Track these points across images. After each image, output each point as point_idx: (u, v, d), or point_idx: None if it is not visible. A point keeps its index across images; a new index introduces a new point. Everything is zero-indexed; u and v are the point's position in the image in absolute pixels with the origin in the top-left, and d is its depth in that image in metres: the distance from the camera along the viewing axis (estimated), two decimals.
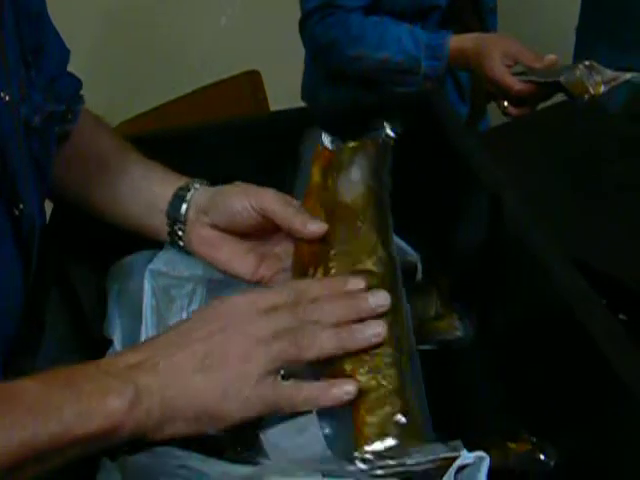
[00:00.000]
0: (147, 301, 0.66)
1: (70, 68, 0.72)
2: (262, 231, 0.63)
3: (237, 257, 0.63)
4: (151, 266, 0.67)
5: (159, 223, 0.66)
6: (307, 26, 1.12)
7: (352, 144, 0.64)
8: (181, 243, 0.65)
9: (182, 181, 0.66)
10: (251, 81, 1.52)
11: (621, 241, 0.87)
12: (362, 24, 1.05)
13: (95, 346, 0.69)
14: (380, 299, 0.51)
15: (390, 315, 0.51)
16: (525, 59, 0.96)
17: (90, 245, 0.72)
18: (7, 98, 0.54)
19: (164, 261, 0.67)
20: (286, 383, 0.47)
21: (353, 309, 0.50)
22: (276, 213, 0.59)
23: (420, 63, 1.03)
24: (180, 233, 0.65)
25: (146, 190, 0.67)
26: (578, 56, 2.23)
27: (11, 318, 0.55)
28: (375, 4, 1.07)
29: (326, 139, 0.65)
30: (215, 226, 0.63)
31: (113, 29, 1.76)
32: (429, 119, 0.81)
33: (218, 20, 1.82)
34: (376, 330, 0.49)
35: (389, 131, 0.64)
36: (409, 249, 0.85)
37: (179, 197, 0.65)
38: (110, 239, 0.72)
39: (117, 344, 0.69)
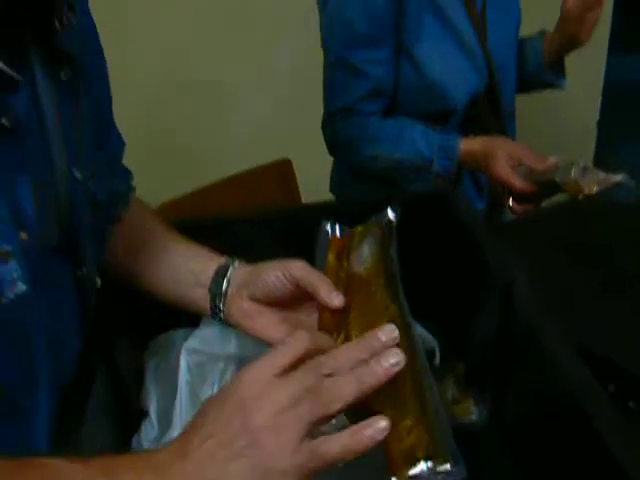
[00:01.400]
0: (182, 377, 0.71)
1: None
2: (295, 301, 0.69)
3: (272, 326, 0.68)
4: (187, 344, 0.73)
5: (200, 297, 0.72)
6: (329, 125, 1.21)
7: (360, 228, 0.72)
8: (221, 315, 0.72)
9: (222, 259, 0.73)
10: (283, 170, 1.59)
11: (634, 331, 0.91)
12: (379, 126, 1.14)
13: (133, 416, 0.74)
14: (389, 331, 0.51)
15: (403, 342, 0.52)
16: (528, 160, 1.04)
17: (132, 320, 0.79)
18: (79, 175, 0.62)
19: (199, 339, 0.73)
20: (317, 441, 0.46)
21: (365, 348, 0.50)
22: (304, 280, 0.66)
23: (432, 163, 1.12)
24: (221, 307, 0.71)
25: (187, 267, 0.74)
26: (599, 152, 2.32)
27: (67, 370, 0.61)
28: (394, 107, 1.16)
29: (337, 229, 0.73)
30: (253, 299, 0.70)
31: (150, 116, 1.86)
32: (445, 213, 0.88)
33: (252, 109, 1.92)
34: (393, 359, 0.49)
35: (391, 213, 0.71)
36: (428, 335, 0.90)
37: (220, 274, 0.72)
38: (150, 315, 0.78)
39: (152, 416, 0.75)
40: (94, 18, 0.69)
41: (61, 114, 0.59)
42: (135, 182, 0.82)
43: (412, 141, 1.12)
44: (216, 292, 0.71)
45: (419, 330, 0.90)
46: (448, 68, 1.11)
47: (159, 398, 0.75)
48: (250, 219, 0.89)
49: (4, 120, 0.52)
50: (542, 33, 1.24)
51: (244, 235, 0.86)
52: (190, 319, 0.77)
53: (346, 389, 0.47)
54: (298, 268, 0.67)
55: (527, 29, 1.28)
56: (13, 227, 0.53)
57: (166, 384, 0.75)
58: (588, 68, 2.16)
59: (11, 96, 0.53)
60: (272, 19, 1.81)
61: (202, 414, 0.49)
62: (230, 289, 0.71)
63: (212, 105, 1.93)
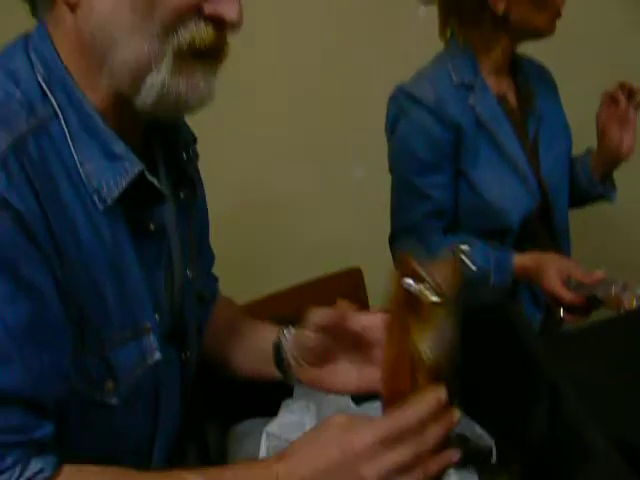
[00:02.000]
0: (262, 457, 0.81)
1: None
2: (336, 347, 0.77)
3: (340, 376, 0.77)
4: (268, 428, 0.83)
5: (276, 372, 0.83)
6: (395, 241, 1.34)
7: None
8: (294, 380, 0.81)
9: (275, 335, 0.84)
10: (352, 278, 1.69)
11: None
12: (441, 242, 1.26)
13: None
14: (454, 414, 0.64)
15: None
16: (576, 275, 1.13)
17: (219, 405, 0.90)
18: (190, 275, 0.77)
19: (278, 425, 0.83)
20: None
21: (445, 426, 0.62)
22: (323, 319, 0.74)
23: (490, 276, 1.22)
24: (292, 376, 0.81)
25: (261, 347, 0.85)
26: None
27: (168, 440, 0.73)
28: (455, 225, 1.28)
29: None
30: (306, 361, 0.78)
31: (220, 226, 1.99)
32: (502, 322, 0.96)
33: (324, 220, 2.04)
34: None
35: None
36: (484, 434, 0.96)
37: (277, 348, 0.82)
38: (233, 402, 0.89)
39: None
40: None
41: (178, 225, 0.74)
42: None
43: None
44: (280, 365, 0.82)
45: (477, 429, 0.97)
46: (502, 191, 1.23)
47: None
48: None
49: (151, 225, 0.68)
50: (589, 151, 1.36)
51: None
52: (267, 407, 0.88)
53: (431, 470, 0.61)
54: (314, 315, 0.75)
55: (580, 148, 1.39)
56: (152, 309, 0.68)
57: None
58: None
59: (159, 207, 0.69)
60: (345, 139, 1.96)
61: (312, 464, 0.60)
62: (287, 360, 0.81)
63: (283, 216, 2.06)
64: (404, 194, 1.27)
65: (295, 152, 1.97)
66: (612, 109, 1.27)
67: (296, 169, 1.96)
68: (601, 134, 1.29)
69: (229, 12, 0.62)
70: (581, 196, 1.39)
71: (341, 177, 1.98)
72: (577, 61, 1.80)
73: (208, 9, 0.62)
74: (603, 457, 0.71)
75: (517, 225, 1.25)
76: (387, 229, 1.36)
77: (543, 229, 1.30)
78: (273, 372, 0.83)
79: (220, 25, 0.63)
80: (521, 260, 1.22)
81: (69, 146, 0.62)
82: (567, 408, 0.79)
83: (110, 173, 0.63)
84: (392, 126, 1.26)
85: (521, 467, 0.92)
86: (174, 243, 0.74)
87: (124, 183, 0.63)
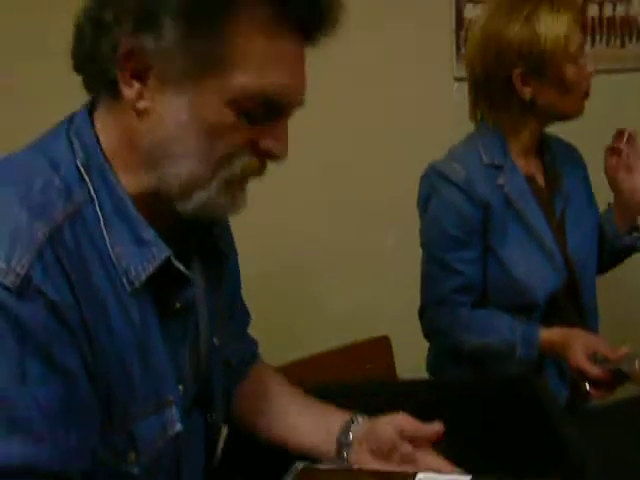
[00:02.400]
0: None
1: None
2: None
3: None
4: None
5: (327, 448, 0.87)
6: (425, 313, 1.38)
7: None
8: (345, 460, 0.86)
9: (347, 415, 0.88)
10: (381, 346, 1.71)
11: None
12: (470, 316, 1.30)
13: None
14: None
15: None
16: (602, 350, 1.16)
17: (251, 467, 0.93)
18: (217, 342, 0.82)
19: None
20: None
21: None
22: (413, 431, 0.82)
23: (515, 349, 1.25)
24: (345, 455, 0.86)
25: (316, 421, 0.90)
26: None
27: None
28: (483, 299, 1.32)
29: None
30: (371, 451, 0.84)
31: (250, 293, 2.04)
32: (528, 396, 0.99)
33: (355, 286, 2.07)
34: None
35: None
36: None
37: (347, 428, 0.87)
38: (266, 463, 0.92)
39: None
40: None
41: (207, 296, 0.79)
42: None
43: (498, 330, 1.27)
44: (344, 443, 0.86)
45: None
46: (529, 268, 1.27)
47: None
48: (352, 389, 1.04)
49: (177, 304, 0.72)
50: (610, 204, 1.41)
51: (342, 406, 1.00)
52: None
53: None
54: (408, 422, 0.83)
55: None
56: (176, 382, 0.72)
57: None
58: None
59: (186, 288, 0.73)
60: (379, 207, 2.02)
61: None
62: (355, 442, 0.86)
63: (315, 282, 2.10)
64: (434, 268, 1.31)
65: (328, 218, 2.03)
66: (616, 159, 1.33)
67: (329, 236, 2.02)
68: (613, 186, 1.36)
69: (281, 150, 0.69)
70: (612, 253, 1.42)
71: (373, 245, 2.03)
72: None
73: (263, 145, 0.68)
74: None
75: (543, 301, 1.28)
76: (417, 299, 1.40)
77: (570, 305, 1.33)
78: (322, 448, 0.87)
79: (270, 158, 0.70)
80: (548, 334, 1.25)
81: (102, 229, 0.66)
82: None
83: (138, 258, 0.67)
84: (424, 203, 1.32)
85: None
86: (202, 315, 0.79)
87: (151, 268, 0.67)
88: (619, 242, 1.40)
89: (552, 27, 1.20)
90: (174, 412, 0.71)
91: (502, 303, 1.30)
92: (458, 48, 1.96)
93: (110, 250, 0.66)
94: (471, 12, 1.92)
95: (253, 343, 1.02)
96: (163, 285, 0.69)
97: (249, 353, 0.99)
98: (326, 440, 0.87)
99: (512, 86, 1.24)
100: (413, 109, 1.95)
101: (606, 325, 1.44)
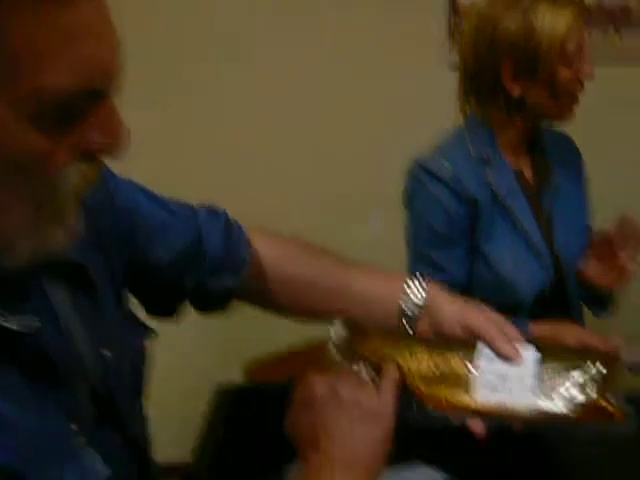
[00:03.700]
0: None
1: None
2: None
3: None
4: None
5: (390, 312, 0.81)
6: None
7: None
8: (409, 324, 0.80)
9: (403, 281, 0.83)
10: None
11: None
12: None
13: None
14: None
15: None
16: (593, 342, 1.12)
17: (226, 462, 0.92)
18: (109, 353, 0.67)
19: None
20: None
21: None
22: (481, 330, 0.76)
23: None
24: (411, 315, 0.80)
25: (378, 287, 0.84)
26: None
27: None
28: (468, 297, 1.28)
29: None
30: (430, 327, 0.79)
31: None
32: None
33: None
34: None
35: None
36: None
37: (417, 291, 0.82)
38: (245, 457, 0.91)
39: None
40: None
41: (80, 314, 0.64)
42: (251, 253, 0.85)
43: None
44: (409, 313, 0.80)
45: None
46: (517, 266, 1.25)
47: None
48: None
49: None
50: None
51: None
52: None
53: None
54: (476, 319, 0.77)
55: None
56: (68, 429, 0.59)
57: None
58: None
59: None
60: (366, 198, 1.99)
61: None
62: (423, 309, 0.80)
63: None
64: (420, 266, 1.29)
65: (315, 209, 2.02)
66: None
67: (315, 226, 1.98)
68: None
69: (113, 139, 0.53)
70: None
71: (360, 236, 2.01)
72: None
73: (88, 145, 0.51)
74: None
75: (531, 299, 1.26)
76: None
77: (557, 302, 1.31)
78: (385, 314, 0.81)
79: (103, 153, 0.53)
80: (537, 330, 1.22)
81: None
82: None
83: None
84: (409, 199, 1.29)
85: None
86: (78, 336, 0.64)
87: None
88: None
89: (551, 23, 1.16)
90: (91, 454, 0.59)
91: (488, 302, 1.27)
92: (452, 35, 1.93)
93: None
94: None
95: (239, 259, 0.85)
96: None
97: (234, 270, 0.83)
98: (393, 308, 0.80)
99: (501, 81, 1.21)
100: (404, 97, 1.93)
101: (590, 323, 1.43)
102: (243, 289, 0.83)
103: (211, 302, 0.83)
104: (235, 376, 1.64)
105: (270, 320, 1.66)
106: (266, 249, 0.85)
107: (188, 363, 2.13)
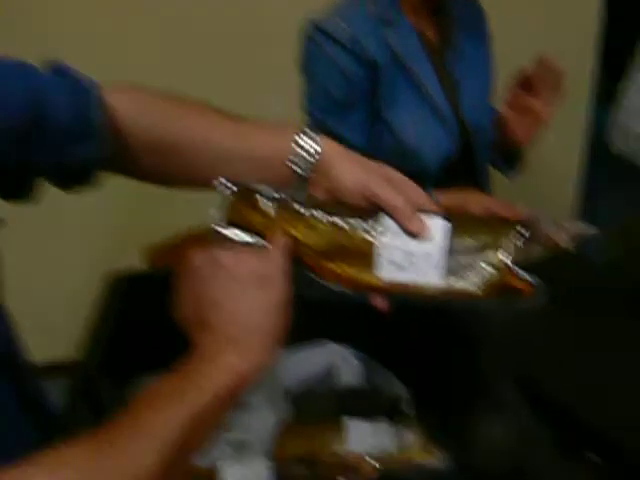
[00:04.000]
0: None
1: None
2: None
3: None
4: None
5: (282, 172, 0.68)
6: None
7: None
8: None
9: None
10: None
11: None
12: None
13: None
14: None
15: None
16: (498, 210, 1.09)
17: (118, 359, 0.84)
18: None
19: None
20: None
21: None
22: (382, 199, 0.64)
23: None
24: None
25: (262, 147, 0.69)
26: (579, 206, 2.39)
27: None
28: None
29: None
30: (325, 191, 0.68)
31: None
32: None
33: None
34: None
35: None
36: (397, 382, 0.95)
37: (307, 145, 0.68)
38: (135, 360, 0.84)
39: None
40: None
41: None
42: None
43: None
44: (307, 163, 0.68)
45: (390, 378, 0.96)
46: (421, 133, 1.18)
47: None
48: None
49: None
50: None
51: None
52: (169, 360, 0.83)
53: None
54: (380, 186, 0.65)
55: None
56: None
57: None
58: (569, 121, 2.25)
59: None
60: (262, 72, 1.90)
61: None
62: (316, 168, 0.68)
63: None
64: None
65: (210, 85, 1.88)
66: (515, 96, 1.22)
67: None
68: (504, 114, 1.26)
69: None
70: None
71: (258, 112, 1.91)
72: None
73: None
74: (512, 409, 0.70)
75: (436, 167, 1.21)
76: None
77: (463, 170, 1.27)
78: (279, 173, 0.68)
79: None
80: (443, 198, 1.18)
81: None
82: (481, 358, 0.78)
83: None
84: (305, 64, 1.19)
85: (433, 414, 0.92)
86: None
87: None
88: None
89: None
90: None
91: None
92: None
93: None
94: None
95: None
96: None
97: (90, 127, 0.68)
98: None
99: None
100: None
101: (500, 188, 1.41)
102: (103, 157, 0.69)
103: (70, 177, 0.69)
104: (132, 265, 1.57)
105: (171, 200, 1.58)
106: (129, 109, 0.71)
107: (79, 253, 2.03)
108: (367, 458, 0.84)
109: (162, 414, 0.53)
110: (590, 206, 2.45)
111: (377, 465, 0.84)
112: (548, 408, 0.87)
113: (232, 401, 0.56)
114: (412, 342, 0.92)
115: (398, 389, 0.94)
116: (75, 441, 0.50)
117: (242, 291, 0.59)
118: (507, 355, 0.87)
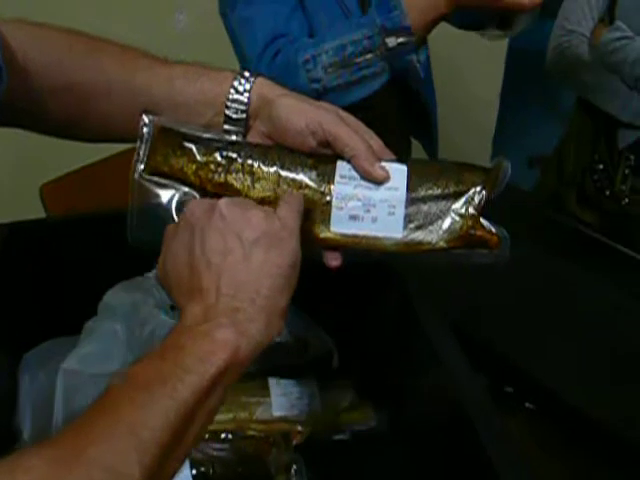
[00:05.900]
0: (58, 399, 0.66)
1: None
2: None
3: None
4: (64, 365, 0.66)
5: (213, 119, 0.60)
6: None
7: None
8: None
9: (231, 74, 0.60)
10: None
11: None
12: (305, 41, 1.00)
13: (3, 437, 0.67)
14: None
15: None
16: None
17: (5, 329, 0.70)
18: None
19: (77, 358, 0.67)
20: None
21: None
22: (339, 140, 0.56)
23: (377, 26, 0.94)
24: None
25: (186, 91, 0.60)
26: (501, 119, 2.37)
27: None
28: None
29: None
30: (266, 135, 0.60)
31: None
32: None
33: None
34: None
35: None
36: (325, 336, 0.87)
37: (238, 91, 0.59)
38: (26, 323, 0.71)
39: (26, 435, 0.68)
40: None
41: None
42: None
43: (349, 26, 0.98)
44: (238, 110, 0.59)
45: (318, 332, 0.88)
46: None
47: (34, 418, 0.69)
48: None
49: None
50: None
51: None
52: (71, 328, 0.71)
53: None
54: (334, 127, 0.57)
55: None
56: None
57: (42, 403, 0.69)
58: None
59: None
60: None
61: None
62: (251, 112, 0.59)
63: None
64: (241, 31, 1.05)
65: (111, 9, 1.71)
66: None
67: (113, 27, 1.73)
68: None
69: None
70: None
71: (162, 31, 1.74)
72: None
73: None
74: (450, 360, 0.64)
75: None
76: None
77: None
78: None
79: None
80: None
81: None
82: (415, 308, 0.71)
83: None
84: None
85: (365, 373, 0.85)
86: None
87: None
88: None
89: None
90: None
91: None
92: None
93: None
94: None
95: None
96: None
97: None
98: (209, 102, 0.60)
99: None
100: None
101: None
102: (3, 108, 0.57)
103: None
104: (31, 205, 1.42)
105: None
106: (27, 43, 0.58)
107: None
108: (293, 423, 0.77)
109: (145, 412, 0.41)
110: (511, 123, 2.43)
111: (303, 429, 0.77)
112: (485, 357, 0.83)
113: (223, 388, 0.45)
114: (342, 292, 0.84)
115: (326, 343, 0.86)
116: (36, 448, 0.38)
117: (246, 252, 0.49)
118: (444, 303, 0.79)
